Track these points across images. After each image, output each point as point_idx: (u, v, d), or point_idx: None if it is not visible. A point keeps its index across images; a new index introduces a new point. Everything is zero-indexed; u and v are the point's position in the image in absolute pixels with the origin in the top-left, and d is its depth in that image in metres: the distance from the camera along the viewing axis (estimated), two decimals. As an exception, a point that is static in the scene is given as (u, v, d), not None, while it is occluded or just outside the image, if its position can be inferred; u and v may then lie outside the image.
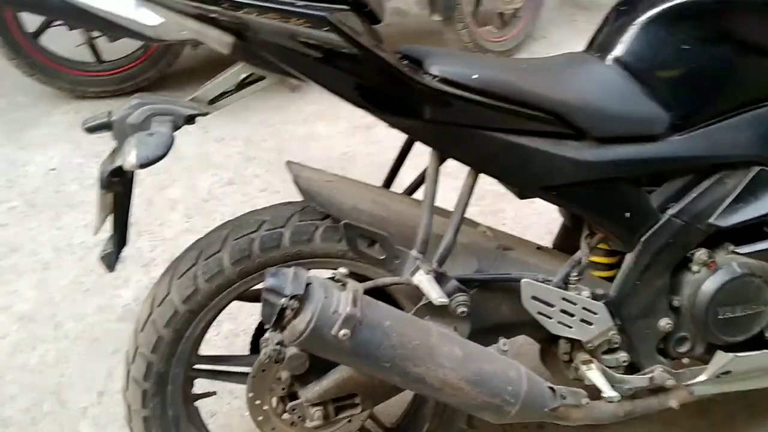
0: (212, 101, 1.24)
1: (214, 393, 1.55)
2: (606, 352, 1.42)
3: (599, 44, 1.34)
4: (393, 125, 1.22)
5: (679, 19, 1.26)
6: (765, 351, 1.42)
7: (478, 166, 1.28)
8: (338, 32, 1.07)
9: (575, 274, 1.36)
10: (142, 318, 1.34)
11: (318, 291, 1.13)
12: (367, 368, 1.19)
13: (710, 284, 1.36)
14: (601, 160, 1.27)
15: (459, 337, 1.28)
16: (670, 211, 1.33)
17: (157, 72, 3.26)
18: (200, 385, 1.50)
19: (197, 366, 1.44)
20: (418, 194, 1.40)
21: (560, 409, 1.33)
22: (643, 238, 1.34)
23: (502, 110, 1.20)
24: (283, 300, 1.10)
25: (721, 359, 1.42)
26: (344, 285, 1.16)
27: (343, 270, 1.17)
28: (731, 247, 1.36)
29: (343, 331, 1.11)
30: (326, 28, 1.07)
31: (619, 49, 1.29)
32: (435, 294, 1.19)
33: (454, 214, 1.29)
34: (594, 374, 1.34)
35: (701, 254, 1.36)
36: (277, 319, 1.13)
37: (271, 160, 2.81)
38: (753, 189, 1.31)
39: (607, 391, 1.31)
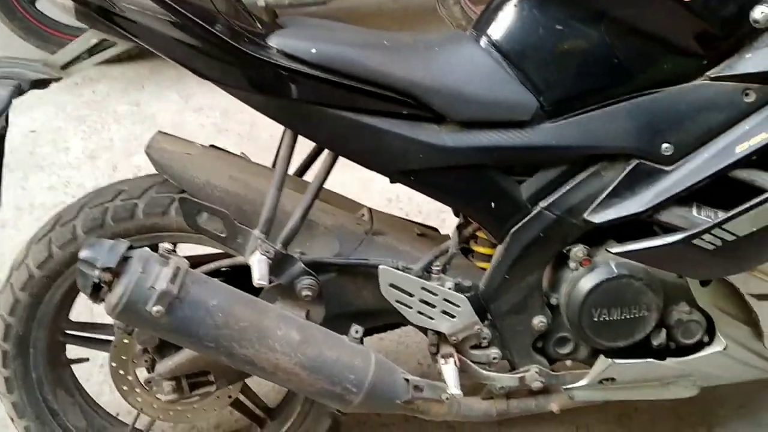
0: (65, 66, 1.22)
1: (86, 359, 1.56)
2: (476, 348, 1.36)
3: (480, 24, 1.26)
4: (241, 99, 1.19)
5: (555, 0, 1.17)
6: (648, 360, 1.33)
7: (330, 147, 1.23)
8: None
9: (438, 263, 1.30)
10: (3, 280, 1.35)
11: (134, 265, 1.10)
12: (192, 346, 1.18)
13: (584, 283, 1.28)
14: (461, 145, 1.20)
15: (303, 321, 1.24)
16: (543, 203, 1.24)
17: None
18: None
19: (68, 331, 1.45)
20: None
21: (417, 402, 1.28)
22: (512, 230, 1.26)
23: (346, 88, 1.15)
24: (96, 272, 1.09)
25: (601, 365, 1.34)
26: (167, 260, 1.13)
27: (167, 245, 1.15)
28: (610, 246, 1.27)
29: (156, 308, 1.09)
30: (142, -5, 1.04)
31: (493, 29, 1.22)
32: (256, 275, 1.15)
33: (305, 195, 1.24)
34: (447, 368, 1.28)
35: (578, 250, 1.27)
36: (92, 292, 1.11)
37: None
38: (630, 184, 1.21)
39: (451, 388, 1.25)
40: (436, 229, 1.50)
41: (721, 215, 1.16)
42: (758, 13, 1.02)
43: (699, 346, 1.35)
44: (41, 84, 1.22)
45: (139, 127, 2.85)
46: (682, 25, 1.14)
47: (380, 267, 1.26)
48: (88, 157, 2.68)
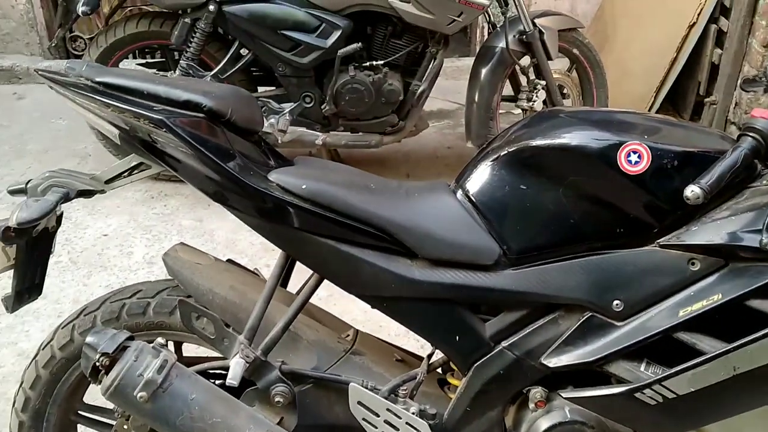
0: (108, 181, 1.46)
1: (92, 439, 1.71)
2: (438, 476, 1.43)
3: (460, 177, 1.43)
4: (244, 222, 1.39)
5: (520, 163, 1.32)
6: (599, 508, 1.36)
7: (314, 268, 1.40)
8: (174, 134, 1.27)
9: (405, 388, 1.40)
10: (31, 358, 1.55)
11: (130, 354, 1.28)
12: (169, 433, 1.31)
13: (539, 425, 1.35)
14: (429, 280, 1.34)
15: (273, 425, 1.37)
16: (504, 343, 1.35)
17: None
18: None
19: (80, 412, 1.62)
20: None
21: None
22: (475, 365, 1.37)
23: (329, 220, 1.32)
24: (97, 356, 1.27)
25: (554, 508, 1.37)
26: (159, 353, 1.30)
27: (160, 340, 1.32)
28: (564, 391, 1.34)
29: (141, 393, 1.25)
30: (164, 129, 1.27)
31: (468, 183, 1.38)
32: (230, 375, 1.30)
33: (289, 309, 1.40)
34: (402, 492, 1.36)
35: (536, 392, 1.36)
36: (92, 373, 1.29)
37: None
38: (583, 334, 1.31)
39: None
40: (420, 357, 1.61)
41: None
42: (689, 191, 1.15)
43: (652, 501, 1.37)
44: (86, 194, 1.45)
45: (198, 241, 3.13)
46: (631, 197, 1.27)
47: (351, 384, 1.38)
48: (147, 263, 2.96)
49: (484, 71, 3.27)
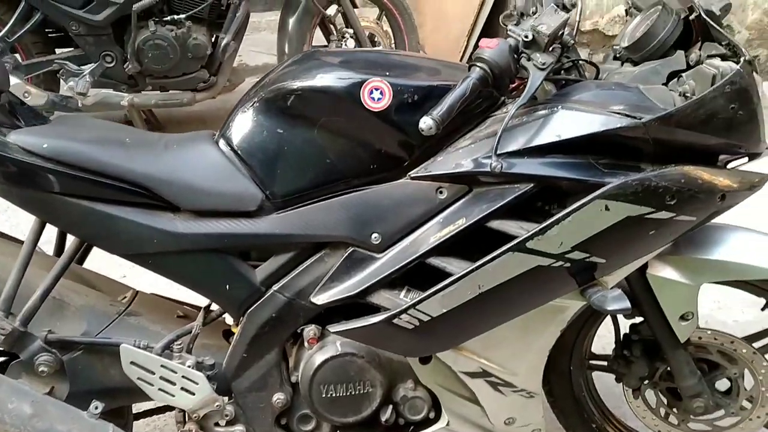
0: None
1: None
2: (223, 425, 1.44)
3: (223, 125, 1.42)
4: (-13, 189, 1.31)
5: (275, 107, 1.32)
6: (373, 435, 1.44)
7: (69, 231, 1.35)
8: None
9: (180, 342, 1.39)
10: None
11: None
12: None
13: (313, 361, 1.39)
14: (193, 232, 1.32)
15: (39, 395, 1.31)
16: (275, 287, 1.37)
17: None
18: None
19: None
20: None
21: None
22: (248, 311, 1.38)
23: (76, 178, 1.27)
24: None
25: (335, 439, 1.43)
26: None
27: None
28: (332, 326, 1.38)
29: None
30: None
31: (231, 131, 1.37)
32: (-25, 350, 1.24)
33: (47, 276, 1.34)
34: (181, 443, 1.36)
35: (309, 330, 1.39)
36: None
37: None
38: (347, 269, 1.35)
39: (174, 461, 1.33)
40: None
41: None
42: (422, 123, 1.19)
43: (427, 422, 1.46)
44: None
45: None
46: (379, 133, 1.31)
47: (122, 346, 1.35)
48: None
49: (291, 22, 3.25)
